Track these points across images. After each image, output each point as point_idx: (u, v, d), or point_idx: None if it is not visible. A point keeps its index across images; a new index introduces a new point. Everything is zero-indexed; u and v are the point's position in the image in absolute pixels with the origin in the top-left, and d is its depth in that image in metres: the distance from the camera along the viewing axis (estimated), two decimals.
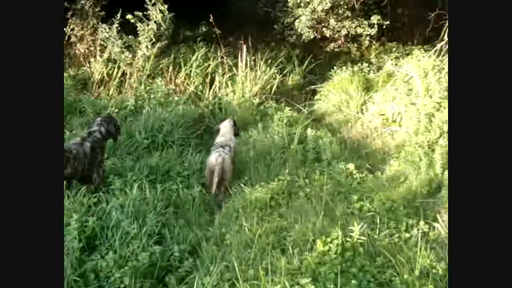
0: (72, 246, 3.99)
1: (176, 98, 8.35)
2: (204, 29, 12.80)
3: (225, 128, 6.56)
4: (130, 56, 8.71)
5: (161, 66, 9.60)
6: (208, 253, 4.33)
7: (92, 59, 8.95)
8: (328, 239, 4.18)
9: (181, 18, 12.13)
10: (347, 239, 4.21)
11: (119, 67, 8.70)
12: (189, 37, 12.80)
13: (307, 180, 5.85)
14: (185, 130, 7.16)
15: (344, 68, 11.27)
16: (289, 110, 8.14)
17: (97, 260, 3.96)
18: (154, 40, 8.99)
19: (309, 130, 6.94)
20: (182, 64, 9.70)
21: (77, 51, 9.26)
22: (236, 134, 6.74)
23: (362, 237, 4.26)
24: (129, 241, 4.20)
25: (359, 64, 11.45)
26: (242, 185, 5.61)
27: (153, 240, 4.32)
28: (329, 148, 6.84)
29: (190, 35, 13.11)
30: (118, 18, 8.62)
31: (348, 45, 12.76)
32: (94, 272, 3.89)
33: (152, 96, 8.00)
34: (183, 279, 4.07)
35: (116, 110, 7.34)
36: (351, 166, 6.25)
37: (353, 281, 3.76)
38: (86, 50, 9.22)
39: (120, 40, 8.55)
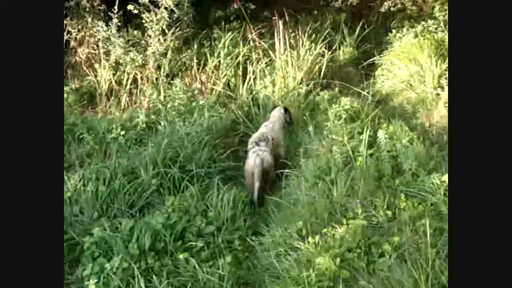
0: None
1: (201, 102, 6.60)
2: (236, 6, 10.85)
3: (273, 117, 5.92)
4: (140, 56, 6.98)
5: (183, 61, 7.84)
6: None
7: (97, 66, 7.30)
8: None
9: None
10: None
11: (128, 72, 7.00)
12: (221, 18, 10.99)
13: (389, 212, 3.99)
14: (211, 150, 5.37)
15: (404, 30, 9.18)
16: (347, 99, 6.16)
17: None
18: (167, 31, 7.22)
19: (380, 132, 4.94)
20: (208, 55, 7.89)
21: (78, 57, 7.64)
22: (289, 123, 6.10)
23: None
24: None
25: (423, 22, 9.29)
26: (292, 237, 3.80)
27: None
28: (412, 151, 4.89)
29: (222, 15, 11.31)
30: (117, 12, 6.89)
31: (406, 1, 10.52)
32: None
33: (169, 105, 6.26)
34: None
35: (122, 132, 5.64)
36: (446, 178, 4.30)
37: None
38: (89, 55, 7.58)
39: (122, 39, 6.81)
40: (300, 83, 7.22)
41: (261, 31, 8.91)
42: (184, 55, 7.90)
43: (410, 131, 5.40)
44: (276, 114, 5.95)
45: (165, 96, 6.59)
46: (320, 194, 4.43)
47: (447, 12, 9.58)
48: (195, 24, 9.02)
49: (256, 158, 5.08)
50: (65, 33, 7.39)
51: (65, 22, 7.38)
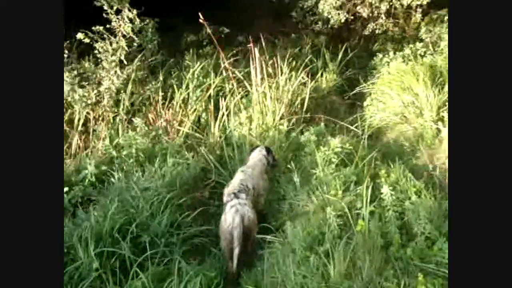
0: None
1: (165, 144, 5.58)
2: (209, 30, 9.96)
3: (253, 160, 5.01)
4: (94, 92, 5.94)
5: (147, 94, 6.84)
6: None
7: None
8: None
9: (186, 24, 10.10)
10: None
11: (79, 112, 5.95)
12: (193, 43, 10.09)
13: None
14: (174, 211, 4.30)
15: (391, 53, 8.41)
16: (337, 139, 5.21)
17: None
18: (126, 62, 6.22)
19: (384, 188, 3.95)
20: (176, 87, 6.91)
21: None
22: (272, 165, 5.18)
23: None
24: None
25: (411, 45, 8.55)
26: None
27: None
28: (421, 206, 3.94)
29: (194, 39, 10.41)
30: (66, 40, 5.89)
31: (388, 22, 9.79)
32: None
33: (124, 152, 5.21)
34: None
35: (66, 189, 4.57)
36: None
37: None
38: None
39: (68, 73, 5.76)
40: (281, 119, 6.27)
41: (236, 58, 8.00)
42: (148, 87, 6.91)
43: (415, 178, 4.48)
44: (257, 156, 5.04)
45: (123, 140, 5.53)
46: (312, 273, 3.43)
47: (435, 33, 8.85)
48: (165, 51, 8.09)
49: (235, 214, 4.02)
50: None
51: None
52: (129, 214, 4.03)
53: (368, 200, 3.88)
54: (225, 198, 4.35)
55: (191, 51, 8.28)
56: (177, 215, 4.23)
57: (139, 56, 6.80)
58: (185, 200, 4.56)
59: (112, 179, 4.87)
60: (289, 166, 5.04)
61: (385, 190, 3.94)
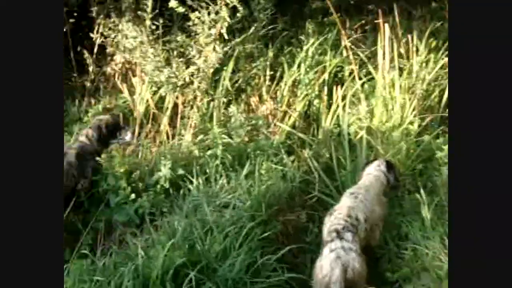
0: None
1: (260, 142, 4.56)
2: None
3: (367, 178, 3.78)
4: (187, 71, 5.02)
5: (251, 74, 5.83)
6: None
7: (136, 80, 5.48)
8: None
9: None
10: None
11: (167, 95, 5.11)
12: (317, 10, 8.73)
13: None
14: (255, 247, 3.24)
15: None
16: None
17: None
18: (227, 36, 5.22)
19: None
20: (286, 67, 5.80)
21: (110, 69, 5.90)
22: (393, 187, 3.88)
23: None
24: None
25: None
26: None
27: None
28: None
29: (320, 6, 9.03)
30: (154, 11, 5.01)
31: None
32: None
33: (209, 152, 4.27)
34: None
35: (132, 196, 3.76)
36: None
37: None
38: (126, 66, 5.79)
39: (152, 49, 4.86)
40: (414, 115, 4.90)
41: (363, 33, 6.66)
42: (255, 64, 5.89)
43: None
44: (373, 172, 3.80)
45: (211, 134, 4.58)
46: None
47: None
48: (282, 20, 6.98)
49: (335, 263, 2.97)
50: (96, 34, 5.66)
51: (98, 20, 5.65)
52: (193, 250, 3.06)
53: None
54: (324, 237, 3.23)
55: (307, 25, 6.96)
56: (257, 255, 3.17)
57: (252, 28, 5.79)
58: (273, 228, 3.50)
59: (190, 186, 3.96)
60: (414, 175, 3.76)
61: None
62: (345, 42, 5.57)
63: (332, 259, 2.98)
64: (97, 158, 4.15)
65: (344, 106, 5.10)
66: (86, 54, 5.85)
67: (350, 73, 5.60)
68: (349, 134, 4.77)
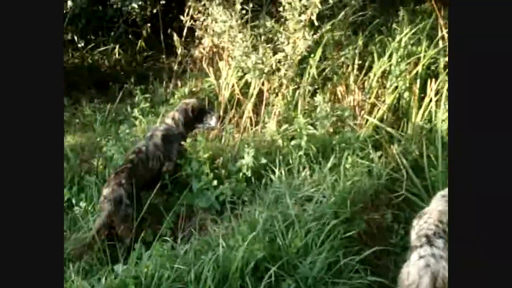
0: None
1: (347, 135, 4.39)
2: None
3: None
4: (275, 57, 4.94)
5: (340, 62, 5.63)
6: None
7: (222, 64, 5.47)
8: None
9: None
10: None
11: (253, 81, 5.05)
12: None
13: None
14: (338, 246, 3.11)
15: None
16: None
17: None
18: (318, 22, 5.05)
19: None
20: (376, 56, 5.55)
21: (197, 52, 5.92)
22: None
23: None
24: None
25: None
26: None
27: None
28: None
29: None
30: None
31: None
32: None
33: (292, 142, 4.16)
34: None
35: (215, 182, 3.74)
36: None
37: None
38: (213, 50, 5.78)
39: (241, 34, 4.79)
40: None
41: None
42: (343, 52, 5.68)
43: None
44: None
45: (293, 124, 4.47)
46: None
47: None
48: (376, 6, 6.69)
49: (423, 271, 2.74)
50: (186, 17, 5.70)
51: (189, 4, 5.67)
52: (274, 244, 2.99)
53: None
54: (413, 239, 3.05)
55: (401, 12, 6.60)
56: (340, 254, 3.04)
57: (341, 14, 5.58)
58: (357, 227, 3.35)
59: (272, 176, 3.89)
60: None
61: None
62: (443, 32, 5.23)
63: (421, 267, 2.78)
64: (182, 142, 4.17)
65: (437, 101, 4.82)
66: (175, 37, 5.94)
67: (446, 66, 5.26)
68: (442, 131, 4.49)
